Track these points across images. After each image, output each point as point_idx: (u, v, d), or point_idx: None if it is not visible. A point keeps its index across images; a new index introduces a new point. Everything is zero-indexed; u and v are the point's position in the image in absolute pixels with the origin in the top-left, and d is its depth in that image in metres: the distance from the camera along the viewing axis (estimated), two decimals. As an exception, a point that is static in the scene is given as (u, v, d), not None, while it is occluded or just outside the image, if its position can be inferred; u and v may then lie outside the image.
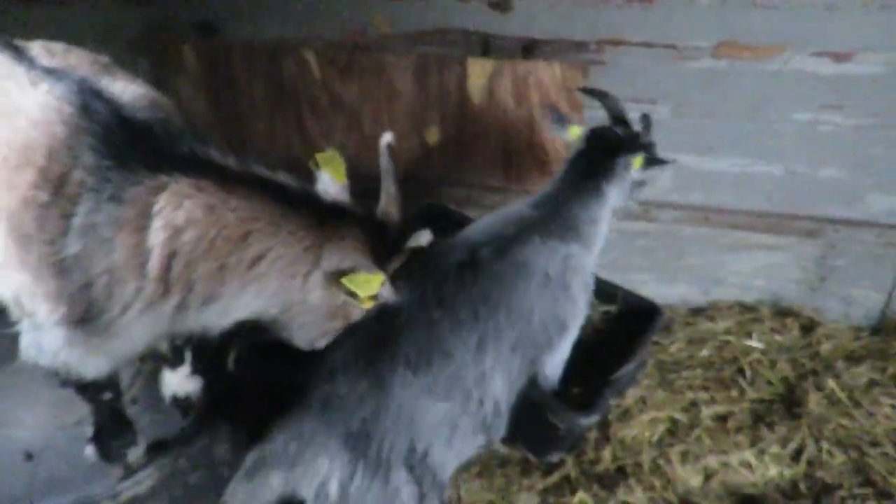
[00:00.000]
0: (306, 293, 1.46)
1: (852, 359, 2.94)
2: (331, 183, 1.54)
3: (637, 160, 2.33)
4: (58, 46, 1.51)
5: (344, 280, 1.42)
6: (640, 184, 2.43)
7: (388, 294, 1.52)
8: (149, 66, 3.47)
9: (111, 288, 1.27)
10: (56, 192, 1.21)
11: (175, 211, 1.26)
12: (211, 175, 1.34)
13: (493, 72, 3.04)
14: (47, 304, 1.26)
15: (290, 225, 1.40)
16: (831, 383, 2.76)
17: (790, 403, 2.74)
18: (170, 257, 1.27)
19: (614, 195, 2.38)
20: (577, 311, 2.27)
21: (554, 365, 2.30)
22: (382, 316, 1.73)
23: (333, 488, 1.66)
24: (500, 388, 1.99)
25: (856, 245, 2.98)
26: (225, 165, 1.39)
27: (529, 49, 3.00)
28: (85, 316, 1.28)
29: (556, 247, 2.18)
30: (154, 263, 1.27)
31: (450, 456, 1.91)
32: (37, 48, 1.46)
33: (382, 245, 1.50)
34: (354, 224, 1.49)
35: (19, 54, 1.39)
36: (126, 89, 1.41)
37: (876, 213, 2.91)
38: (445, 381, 1.82)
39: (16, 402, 1.81)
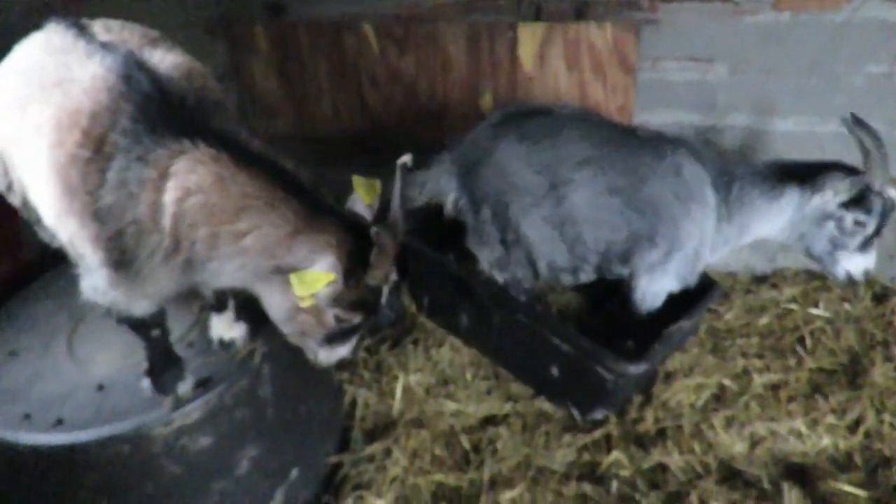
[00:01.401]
0: (277, 276, 1.53)
1: (931, 330, 2.74)
2: (358, 202, 1.62)
3: (842, 190, 2.18)
4: (115, 23, 1.68)
5: (291, 275, 1.46)
6: (831, 220, 2.23)
7: (327, 294, 1.52)
8: (226, 49, 3.73)
9: (138, 237, 1.44)
10: (96, 150, 1.38)
11: (188, 175, 1.40)
12: (229, 149, 1.45)
13: (543, 36, 3.03)
14: (91, 246, 1.45)
15: (284, 209, 1.48)
16: (901, 355, 2.60)
17: (853, 374, 2.60)
18: (178, 216, 1.42)
19: (792, 201, 2.27)
20: (678, 226, 2.34)
21: (651, 285, 2.46)
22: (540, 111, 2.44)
23: (450, 202, 2.51)
24: (584, 208, 2.37)
25: (939, 208, 2.74)
26: (244, 144, 1.50)
27: (581, 11, 2.96)
28: (121, 259, 1.46)
29: (676, 160, 2.32)
30: (167, 220, 1.42)
31: (528, 227, 2.43)
32: (97, 25, 1.64)
33: (362, 254, 1.51)
34: (342, 225, 1.53)
35: (81, 31, 1.58)
36: (165, 60, 1.54)
37: (963, 172, 2.66)
38: (539, 160, 2.34)
39: (94, 344, 2.08)
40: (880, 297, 2.90)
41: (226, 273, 1.53)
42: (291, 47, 3.61)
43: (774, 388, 2.59)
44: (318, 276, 1.46)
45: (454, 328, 2.90)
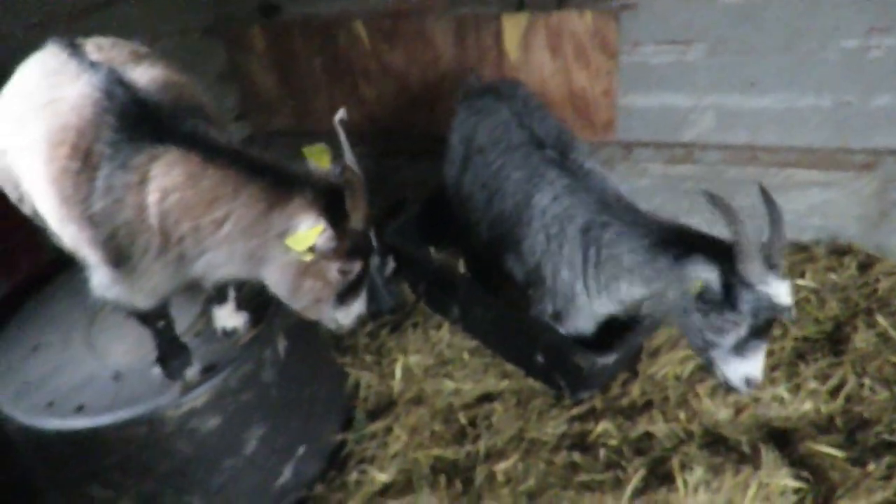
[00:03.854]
0: (268, 253, 1.65)
1: (914, 296, 2.81)
2: (317, 168, 1.73)
3: (695, 286, 1.86)
4: (106, 42, 1.82)
5: (286, 241, 1.59)
6: (696, 312, 1.91)
7: (325, 243, 1.65)
8: (224, 50, 3.86)
9: (130, 237, 1.58)
10: (84, 161, 1.53)
11: (165, 177, 1.53)
12: (198, 148, 1.58)
13: (527, 26, 3.12)
14: (89, 248, 1.60)
15: (251, 190, 1.60)
16: (883, 321, 2.67)
17: (836, 341, 2.69)
18: (161, 215, 1.56)
19: (660, 275, 2.01)
20: (534, 253, 2.40)
21: (532, 305, 2.52)
22: None
23: None
24: (467, 186, 2.73)
25: (918, 176, 2.81)
26: (212, 141, 1.62)
27: (562, 0, 3.05)
28: (118, 259, 1.61)
29: (543, 188, 2.37)
30: (153, 220, 1.56)
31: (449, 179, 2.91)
32: (89, 45, 1.77)
33: (337, 205, 1.63)
34: (310, 187, 1.63)
35: (75, 50, 1.71)
36: (145, 75, 1.68)
37: (939, 140, 2.73)
38: (464, 132, 2.76)
39: (110, 336, 2.25)
40: (865, 266, 2.96)
41: (220, 264, 1.65)
42: (287, 46, 3.74)
43: (759, 357, 2.69)
44: (309, 232, 1.59)
45: (447, 316, 3.04)
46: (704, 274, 1.86)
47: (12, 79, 1.75)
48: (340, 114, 1.62)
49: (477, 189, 2.68)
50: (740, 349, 1.88)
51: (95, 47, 1.75)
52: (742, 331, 1.85)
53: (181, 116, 1.61)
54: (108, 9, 3.19)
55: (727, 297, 1.82)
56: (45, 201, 1.61)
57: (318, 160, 1.70)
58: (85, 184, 1.52)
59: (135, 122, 1.54)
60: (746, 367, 1.90)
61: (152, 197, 1.53)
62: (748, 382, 1.93)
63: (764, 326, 1.85)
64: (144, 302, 1.75)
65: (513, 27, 3.13)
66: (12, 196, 1.85)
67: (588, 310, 2.37)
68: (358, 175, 1.61)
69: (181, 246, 1.60)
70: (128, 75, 1.63)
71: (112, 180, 1.52)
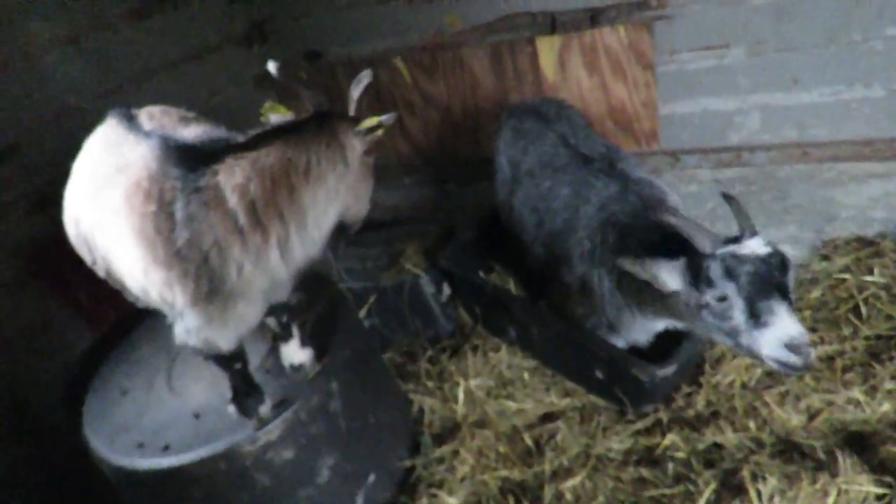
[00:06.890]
0: (349, 168, 1.91)
1: None
2: (281, 119, 1.99)
3: (668, 279, 1.95)
4: (157, 110, 2.03)
5: (363, 125, 1.96)
6: (702, 309, 1.91)
7: (389, 119, 2.05)
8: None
9: (223, 255, 1.71)
10: (159, 202, 1.69)
11: (233, 177, 1.70)
12: (238, 149, 1.77)
13: (561, 46, 3.17)
14: (180, 286, 1.73)
15: (305, 138, 1.81)
16: (960, 313, 2.55)
17: (911, 338, 2.58)
18: (251, 207, 1.71)
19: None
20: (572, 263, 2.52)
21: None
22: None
23: None
24: (518, 207, 2.83)
25: None
26: (246, 137, 1.83)
27: (594, 18, 3.09)
28: (211, 288, 1.74)
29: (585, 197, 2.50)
30: (244, 218, 1.71)
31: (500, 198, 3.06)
32: (143, 115, 1.97)
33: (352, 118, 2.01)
34: (333, 115, 1.96)
35: (131, 122, 1.90)
36: (191, 131, 1.89)
37: None
38: (512, 154, 2.88)
39: (189, 378, 2.40)
40: (936, 257, 2.84)
41: (323, 215, 1.86)
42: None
43: (830, 359, 2.60)
44: (369, 119, 2.00)
45: (504, 338, 3.08)
46: (668, 271, 1.92)
47: (79, 157, 1.94)
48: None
49: (528, 211, 2.75)
50: (756, 319, 1.78)
51: (147, 116, 1.93)
52: (736, 300, 1.80)
53: (218, 143, 1.81)
54: (169, 71, 3.45)
55: (701, 278, 1.85)
56: (126, 257, 1.76)
57: (278, 112, 1.89)
58: (165, 221, 1.67)
59: (191, 158, 1.72)
60: (776, 332, 1.75)
61: (233, 199, 1.69)
62: (791, 347, 1.73)
63: (758, 285, 1.76)
64: (230, 341, 1.88)
65: (547, 49, 3.19)
66: (87, 259, 2.01)
67: (638, 319, 2.37)
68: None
69: (282, 225, 1.76)
70: (178, 133, 1.82)
71: (190, 208, 1.67)
